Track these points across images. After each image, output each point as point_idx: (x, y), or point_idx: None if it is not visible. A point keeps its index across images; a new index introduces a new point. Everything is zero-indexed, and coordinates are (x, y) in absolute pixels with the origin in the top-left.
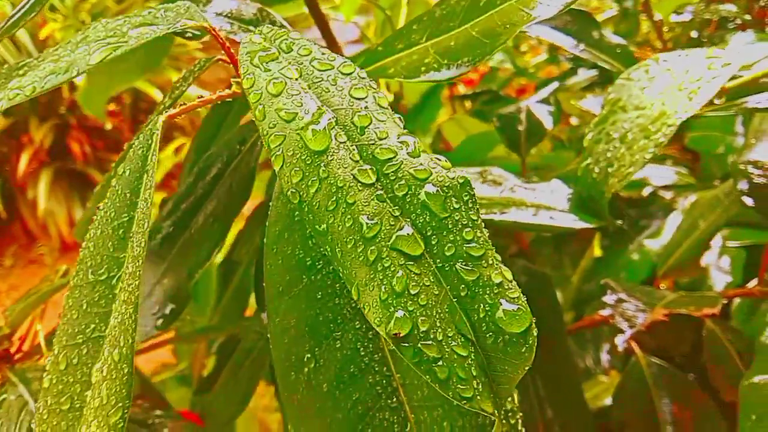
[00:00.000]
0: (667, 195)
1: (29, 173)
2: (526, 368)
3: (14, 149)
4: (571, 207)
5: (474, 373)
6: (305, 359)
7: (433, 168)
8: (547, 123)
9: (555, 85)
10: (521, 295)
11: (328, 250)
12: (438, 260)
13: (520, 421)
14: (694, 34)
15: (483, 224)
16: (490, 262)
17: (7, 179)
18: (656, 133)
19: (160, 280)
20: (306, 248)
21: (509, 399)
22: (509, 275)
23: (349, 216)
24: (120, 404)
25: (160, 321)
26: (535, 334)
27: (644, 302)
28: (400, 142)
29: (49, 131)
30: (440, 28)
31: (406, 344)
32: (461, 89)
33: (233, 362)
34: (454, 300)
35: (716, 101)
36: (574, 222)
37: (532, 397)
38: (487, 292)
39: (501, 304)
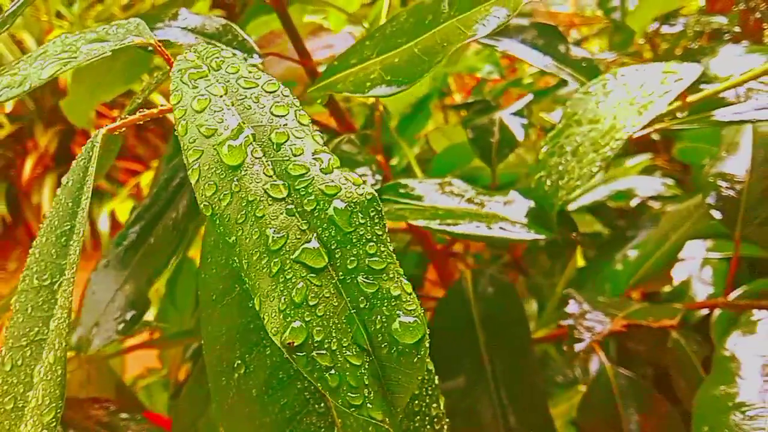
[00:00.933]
0: (657, 206)
1: (34, 178)
2: (419, 377)
3: (19, 154)
4: (529, 219)
5: (366, 382)
6: (236, 365)
7: (343, 184)
8: (519, 135)
9: (530, 97)
10: (419, 307)
11: (237, 261)
12: (340, 273)
13: (445, 426)
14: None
15: (388, 238)
16: (391, 275)
17: (13, 184)
18: (605, 146)
19: (122, 286)
20: None
21: (434, 406)
22: (409, 288)
23: (256, 229)
24: (53, 404)
25: (121, 326)
26: (427, 345)
27: (606, 313)
28: (314, 159)
29: (54, 137)
30: (389, 45)
31: (300, 353)
32: (457, 98)
33: (198, 366)
34: (353, 311)
35: (679, 114)
36: (525, 234)
37: (496, 406)
38: (385, 304)
39: (398, 316)
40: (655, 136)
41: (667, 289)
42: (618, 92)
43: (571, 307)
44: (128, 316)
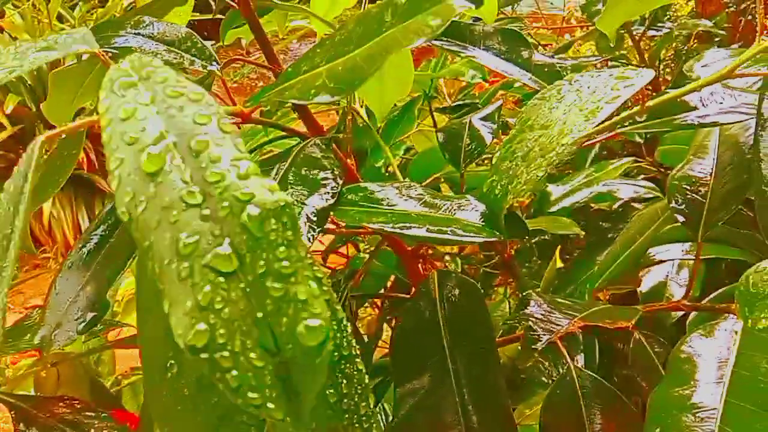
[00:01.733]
0: (641, 208)
1: None
2: (323, 378)
3: (21, 156)
4: (481, 222)
5: (268, 382)
6: (168, 365)
7: (258, 190)
8: (488, 139)
9: (500, 102)
10: (325, 311)
11: (151, 266)
12: (249, 277)
13: (374, 425)
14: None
15: (299, 243)
16: (299, 279)
17: None
18: (551, 151)
19: (84, 287)
20: None
21: (363, 404)
22: (317, 292)
23: (169, 234)
24: None
25: (81, 326)
26: (330, 348)
27: (565, 314)
28: (232, 166)
29: (54, 138)
30: (337, 53)
31: (203, 354)
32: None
33: None
34: (260, 314)
35: (638, 119)
36: (474, 237)
37: (458, 405)
38: (292, 307)
39: (303, 319)
40: (639, 139)
41: (645, 290)
42: (570, 98)
43: (532, 309)
44: (89, 316)
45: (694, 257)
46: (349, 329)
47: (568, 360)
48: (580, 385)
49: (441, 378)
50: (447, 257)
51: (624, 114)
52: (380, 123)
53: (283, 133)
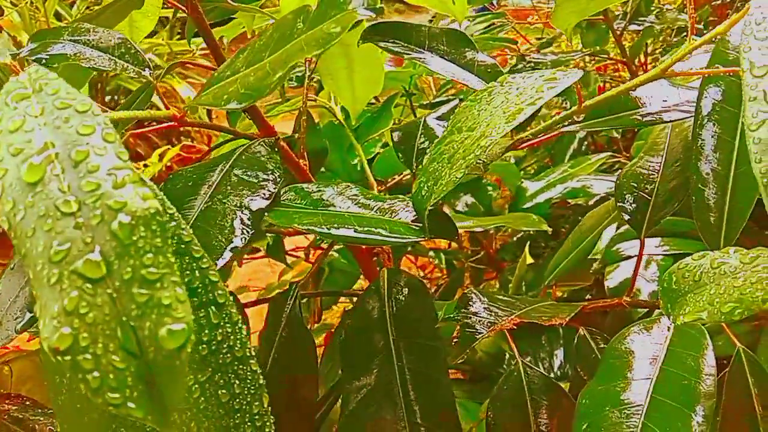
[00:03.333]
0: None
1: None
2: (183, 379)
3: None
4: (410, 222)
5: (129, 383)
6: None
7: (131, 199)
8: None
9: (456, 102)
10: (188, 315)
11: (27, 272)
12: (116, 282)
13: (267, 423)
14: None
15: (168, 249)
16: (165, 285)
17: None
18: (470, 154)
19: (24, 287)
20: None
21: (257, 404)
22: (183, 297)
23: (42, 241)
24: None
25: (19, 325)
26: (189, 350)
27: (504, 311)
28: (108, 175)
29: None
30: (255, 59)
31: (65, 357)
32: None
33: None
34: (124, 319)
35: (576, 118)
36: (398, 238)
37: (401, 401)
38: (155, 312)
39: (166, 323)
40: (616, 134)
41: (613, 286)
42: (498, 100)
43: (471, 306)
44: (27, 316)
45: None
46: (245, 331)
47: (517, 355)
48: (527, 380)
49: (386, 375)
50: (431, 253)
51: (564, 114)
52: (354, 121)
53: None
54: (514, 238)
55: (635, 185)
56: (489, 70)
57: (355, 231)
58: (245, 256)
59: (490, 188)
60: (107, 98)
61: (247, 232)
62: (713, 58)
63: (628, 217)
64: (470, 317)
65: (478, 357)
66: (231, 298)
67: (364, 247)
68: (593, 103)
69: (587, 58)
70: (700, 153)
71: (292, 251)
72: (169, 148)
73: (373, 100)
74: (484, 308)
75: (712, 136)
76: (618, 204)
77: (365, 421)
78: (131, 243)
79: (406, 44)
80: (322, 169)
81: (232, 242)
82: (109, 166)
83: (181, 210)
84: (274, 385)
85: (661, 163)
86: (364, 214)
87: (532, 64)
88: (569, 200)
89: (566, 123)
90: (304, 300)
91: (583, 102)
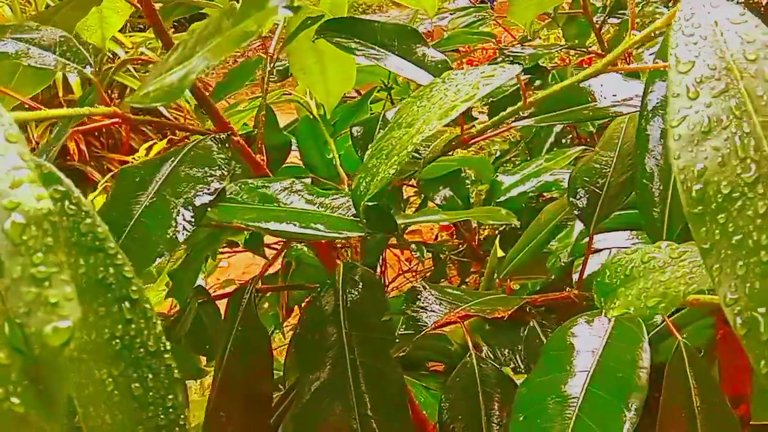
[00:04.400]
0: None
1: None
2: (68, 374)
3: None
4: (350, 217)
5: (13, 378)
6: None
7: (25, 199)
8: None
9: None
10: (75, 312)
11: None
12: (7, 281)
13: (182, 416)
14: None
15: (59, 248)
16: (53, 283)
17: None
18: (404, 150)
19: None
20: None
21: (170, 397)
22: (71, 295)
23: None
24: None
25: None
26: (72, 346)
27: (451, 304)
28: (7, 175)
29: (46, 130)
30: (186, 55)
31: None
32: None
33: None
34: (12, 316)
35: (522, 113)
36: (336, 233)
37: (353, 393)
38: (42, 309)
39: (52, 321)
40: (592, 128)
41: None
42: (437, 96)
43: (420, 299)
44: None
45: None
46: (159, 327)
47: (470, 348)
48: (480, 373)
49: (339, 368)
50: (413, 246)
51: (510, 110)
52: (330, 115)
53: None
54: (496, 231)
55: (587, 179)
56: (439, 65)
57: (295, 227)
58: (226, 251)
59: (468, 182)
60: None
61: (189, 227)
62: (659, 52)
63: (578, 212)
64: (418, 311)
65: (453, 349)
66: (146, 294)
67: (323, 241)
68: (539, 99)
69: (572, 52)
70: (645, 148)
71: (275, 245)
72: (155, 143)
73: (355, 95)
74: (433, 302)
75: (658, 131)
76: (569, 198)
77: (317, 413)
78: (22, 242)
79: (359, 40)
80: (301, 164)
81: (173, 237)
82: (8, 167)
83: (128, 206)
84: (231, 377)
85: (614, 157)
86: (305, 210)
87: (511, 58)
88: (545, 194)
89: (515, 118)
90: (267, 295)
91: (528, 99)
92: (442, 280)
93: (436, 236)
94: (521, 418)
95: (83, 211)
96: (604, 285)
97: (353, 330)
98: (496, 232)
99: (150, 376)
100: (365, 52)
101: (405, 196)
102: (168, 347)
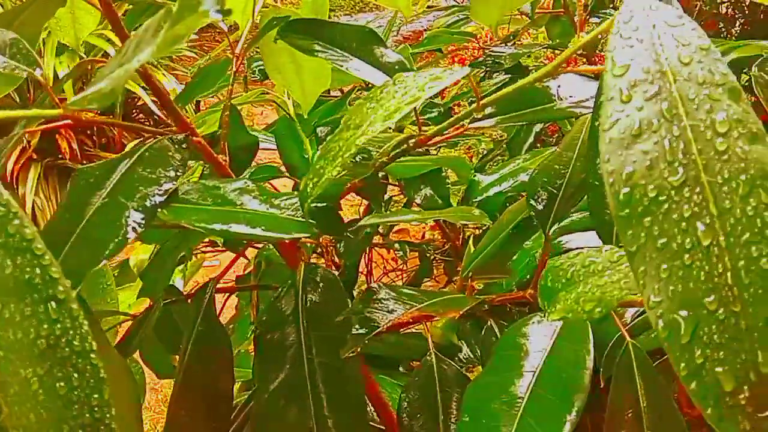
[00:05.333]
0: None
1: (18, 169)
2: None
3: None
4: (298, 218)
5: None
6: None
7: None
8: None
9: None
10: None
11: None
12: None
13: (108, 414)
14: None
15: None
16: None
17: None
18: (348, 152)
19: None
20: None
21: (96, 396)
22: None
23: None
24: None
25: None
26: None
27: (406, 305)
28: None
29: (37, 132)
30: (128, 58)
31: None
32: None
33: None
34: None
35: (476, 115)
36: (282, 234)
37: (310, 393)
38: None
39: None
40: (569, 127)
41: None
42: (385, 98)
43: (377, 299)
44: None
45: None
46: (85, 327)
47: (430, 348)
48: (439, 373)
49: (297, 368)
50: (396, 245)
51: (465, 111)
52: (306, 115)
53: None
54: (479, 231)
55: (546, 180)
56: (396, 66)
57: (242, 227)
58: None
59: (448, 182)
60: None
61: (138, 227)
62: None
63: (535, 213)
64: (372, 311)
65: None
66: (73, 294)
67: (287, 240)
68: (492, 100)
69: (558, 51)
70: (596, 149)
71: (258, 244)
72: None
73: (339, 94)
74: (388, 302)
75: None
76: (527, 199)
77: (275, 413)
78: None
79: (319, 41)
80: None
81: (121, 238)
82: None
83: (81, 207)
84: (191, 376)
85: (573, 158)
86: (254, 211)
87: (492, 58)
88: (523, 193)
89: (472, 119)
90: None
91: (481, 100)
92: (426, 279)
93: (423, 235)
94: (467, 419)
95: (11, 212)
96: (546, 288)
97: (312, 330)
98: (480, 231)
99: (75, 375)
100: (327, 54)
101: (389, 196)
102: (94, 347)
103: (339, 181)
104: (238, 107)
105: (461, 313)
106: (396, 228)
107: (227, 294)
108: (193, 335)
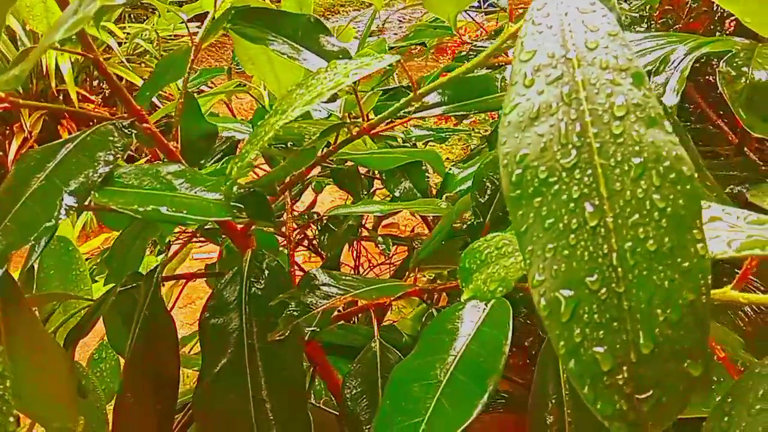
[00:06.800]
0: None
1: (18, 159)
2: None
3: (7, 137)
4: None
5: None
6: None
7: None
8: None
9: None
10: None
11: None
12: None
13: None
14: None
15: None
16: None
17: (2, 165)
18: (266, 135)
19: None
20: None
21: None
22: None
23: None
24: None
25: None
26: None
27: (341, 291)
28: None
29: (38, 120)
30: (44, 45)
31: None
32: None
33: None
34: None
35: (413, 104)
36: (203, 217)
37: (249, 378)
38: None
39: None
40: None
41: None
42: (314, 84)
43: (314, 285)
44: None
45: None
46: None
47: (375, 335)
48: (381, 360)
49: (238, 353)
50: (380, 238)
51: (403, 100)
52: None
53: None
54: (464, 226)
55: (492, 173)
56: (340, 56)
57: (165, 210)
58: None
59: (428, 175)
60: (95, 83)
61: (69, 210)
62: None
63: (475, 204)
64: (308, 296)
65: (404, 341)
66: None
67: (239, 227)
68: (428, 89)
69: None
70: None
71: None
72: None
73: None
74: (326, 288)
75: None
76: (472, 191)
77: (215, 397)
78: None
79: (267, 30)
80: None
81: (53, 220)
82: None
83: (19, 189)
84: (137, 361)
85: None
86: (183, 194)
87: (476, 52)
88: None
89: (416, 108)
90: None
91: (418, 89)
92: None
93: (413, 229)
94: (388, 402)
95: None
96: (464, 270)
97: (253, 315)
98: (463, 226)
99: None
100: (274, 44)
101: (374, 189)
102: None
103: (276, 172)
104: (220, 98)
105: (391, 300)
106: (385, 222)
107: (184, 281)
108: (139, 320)
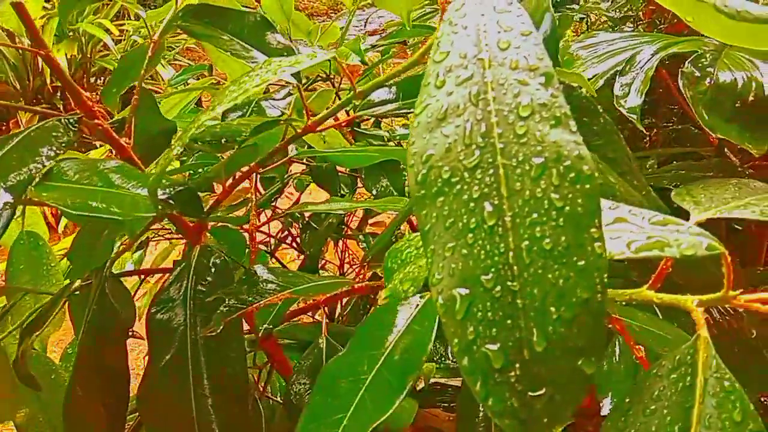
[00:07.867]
0: None
1: None
2: None
3: (3, 133)
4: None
5: None
6: None
7: None
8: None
9: (288, 88)
10: None
11: None
12: None
13: None
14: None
15: None
16: None
17: None
18: (188, 133)
19: None
20: None
21: None
22: None
23: None
24: None
25: None
26: None
27: (280, 287)
28: None
29: (34, 117)
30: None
31: None
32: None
33: None
34: None
35: (355, 102)
36: (133, 213)
37: (191, 374)
38: None
39: None
40: None
41: None
42: (247, 81)
43: (255, 281)
44: None
45: None
46: None
47: (323, 332)
48: (327, 356)
49: (181, 348)
50: (361, 237)
51: (344, 99)
52: None
53: None
54: None
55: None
56: (285, 53)
57: (97, 205)
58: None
59: (405, 173)
60: (92, 79)
61: (6, 206)
62: None
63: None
64: (246, 293)
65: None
66: None
67: (191, 224)
68: (368, 87)
69: None
70: None
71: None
72: None
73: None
74: (266, 284)
75: None
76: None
77: (158, 392)
78: None
79: (215, 28)
80: None
81: None
82: None
83: None
84: (85, 356)
85: None
86: (114, 189)
87: None
88: None
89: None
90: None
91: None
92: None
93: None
94: (317, 397)
95: None
96: (387, 270)
97: (198, 311)
98: None
99: None
100: (219, 41)
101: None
102: None
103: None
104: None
105: (324, 297)
106: (372, 221)
107: (143, 277)
108: (88, 315)
